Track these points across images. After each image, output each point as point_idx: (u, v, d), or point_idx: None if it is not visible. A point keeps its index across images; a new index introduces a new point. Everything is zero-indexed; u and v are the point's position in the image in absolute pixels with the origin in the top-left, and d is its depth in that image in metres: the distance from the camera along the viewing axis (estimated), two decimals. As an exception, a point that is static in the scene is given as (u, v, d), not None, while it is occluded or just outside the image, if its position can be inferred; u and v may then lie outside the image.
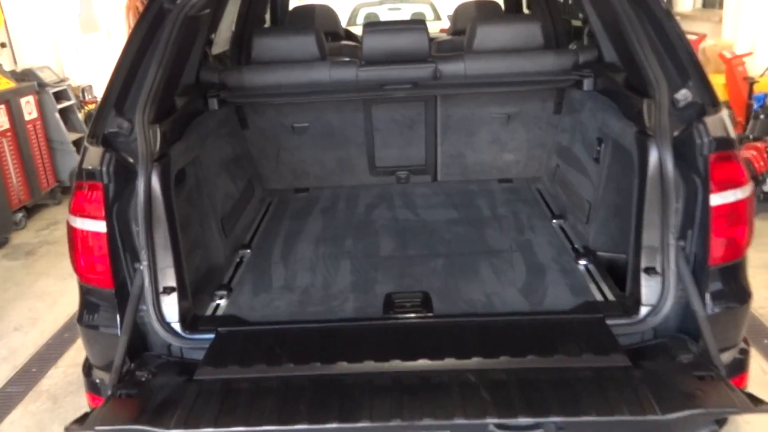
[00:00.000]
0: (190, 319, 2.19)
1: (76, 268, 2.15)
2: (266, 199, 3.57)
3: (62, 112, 6.07)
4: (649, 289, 2.09)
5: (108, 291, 2.09)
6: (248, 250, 2.92)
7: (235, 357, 2.02)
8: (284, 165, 3.61)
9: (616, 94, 2.61)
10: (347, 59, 3.63)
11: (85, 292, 2.18)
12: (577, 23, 4.73)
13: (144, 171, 2.06)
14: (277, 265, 2.78)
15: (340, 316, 2.34)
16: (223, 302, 2.47)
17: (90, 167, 2.06)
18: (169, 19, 2.22)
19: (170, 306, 2.11)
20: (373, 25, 3.47)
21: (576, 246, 2.79)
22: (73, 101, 6.34)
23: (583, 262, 2.63)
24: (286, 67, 3.23)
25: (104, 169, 2.04)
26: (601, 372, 1.85)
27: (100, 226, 2.05)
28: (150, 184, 2.08)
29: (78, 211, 2.08)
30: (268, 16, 5.02)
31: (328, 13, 5.61)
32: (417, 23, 3.36)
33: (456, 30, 5.20)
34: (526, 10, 5.51)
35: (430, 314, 2.27)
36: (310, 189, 3.64)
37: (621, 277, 2.34)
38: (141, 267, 2.06)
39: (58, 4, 7.18)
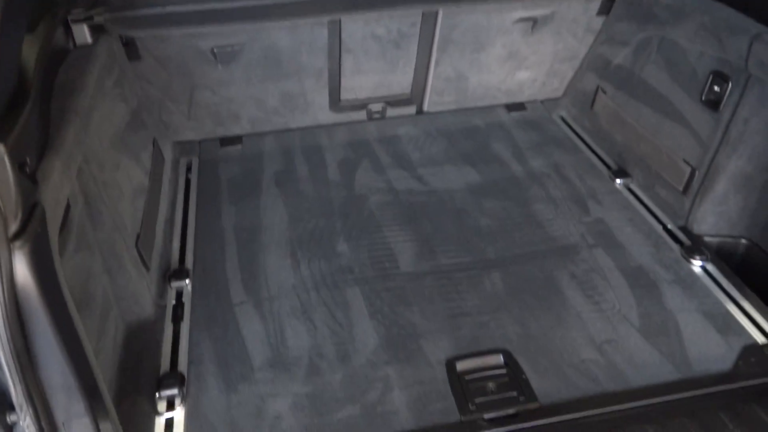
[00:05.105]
0: None
1: None
2: (180, 160, 2.46)
3: None
4: None
5: None
6: (185, 282, 1.86)
7: None
8: (202, 108, 2.47)
9: None
10: None
11: None
12: None
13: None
14: (244, 309, 1.76)
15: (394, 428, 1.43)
16: (177, 414, 1.46)
17: None
18: None
19: None
20: None
21: (669, 228, 2.08)
22: None
23: (698, 262, 1.92)
24: None
25: None
26: None
27: None
28: (14, 289, 1.04)
29: None
30: None
31: None
32: None
33: None
34: None
35: (533, 404, 1.42)
36: (244, 138, 2.57)
37: (740, 271, 1.86)
38: (20, 422, 1.10)
39: None
